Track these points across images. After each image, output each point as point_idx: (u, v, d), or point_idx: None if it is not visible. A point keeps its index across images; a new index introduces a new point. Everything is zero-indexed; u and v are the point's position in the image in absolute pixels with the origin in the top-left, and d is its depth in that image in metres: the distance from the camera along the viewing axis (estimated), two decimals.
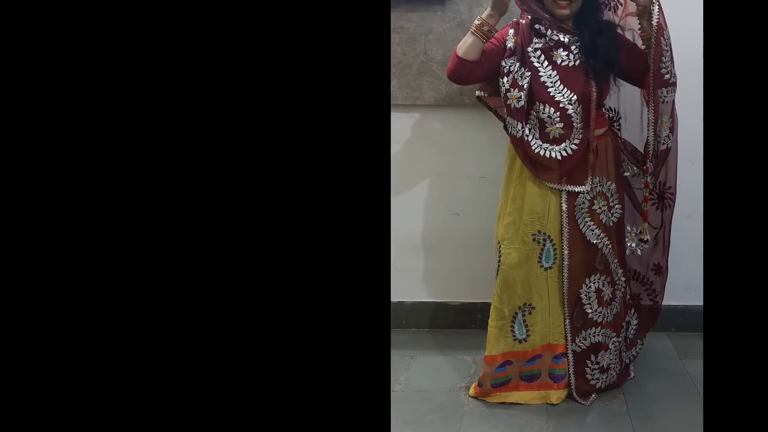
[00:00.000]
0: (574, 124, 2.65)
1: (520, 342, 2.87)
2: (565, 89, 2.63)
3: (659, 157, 2.73)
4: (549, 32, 2.64)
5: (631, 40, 2.77)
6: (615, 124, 2.96)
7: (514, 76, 2.65)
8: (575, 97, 2.63)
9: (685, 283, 3.37)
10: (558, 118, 2.64)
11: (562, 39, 2.63)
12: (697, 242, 2.88)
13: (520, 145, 2.73)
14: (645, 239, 2.83)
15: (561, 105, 2.63)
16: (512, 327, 2.85)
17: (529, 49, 2.65)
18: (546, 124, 2.67)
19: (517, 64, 2.65)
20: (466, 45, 2.64)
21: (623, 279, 2.90)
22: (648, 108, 2.69)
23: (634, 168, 2.83)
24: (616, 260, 2.85)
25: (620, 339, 2.94)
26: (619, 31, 2.75)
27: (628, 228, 2.90)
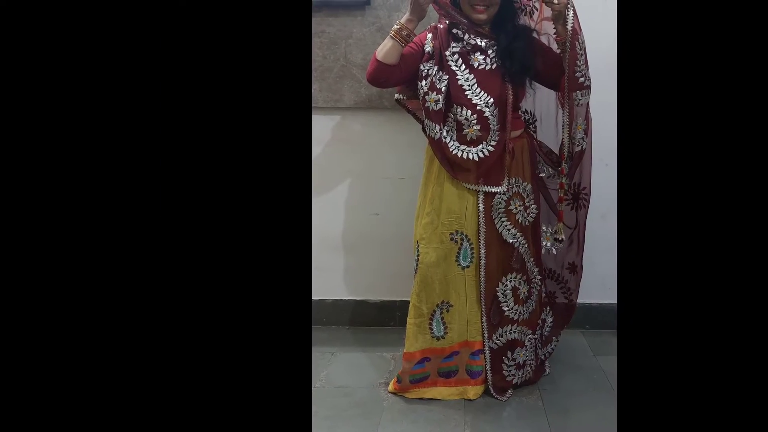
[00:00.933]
0: (491, 126, 2.68)
1: (438, 339, 2.90)
2: (482, 92, 2.67)
3: (574, 159, 2.78)
4: (466, 36, 2.68)
5: (547, 44, 2.81)
6: (531, 126, 3.01)
7: (432, 80, 2.68)
8: (492, 99, 2.67)
9: (599, 281, 3.45)
10: (475, 121, 2.67)
11: (479, 43, 2.67)
12: (611, 241, 2.93)
13: (438, 147, 2.76)
14: (560, 239, 2.88)
15: (478, 107, 2.66)
16: (430, 324, 2.89)
17: (447, 53, 2.68)
18: (463, 126, 2.70)
19: (435, 68, 2.68)
20: (385, 49, 2.66)
21: (539, 277, 2.96)
22: (563, 110, 2.73)
23: (550, 169, 2.88)
24: (532, 259, 2.90)
25: (536, 336, 3.00)
26: (534, 35, 2.79)
27: (544, 228, 2.95)
